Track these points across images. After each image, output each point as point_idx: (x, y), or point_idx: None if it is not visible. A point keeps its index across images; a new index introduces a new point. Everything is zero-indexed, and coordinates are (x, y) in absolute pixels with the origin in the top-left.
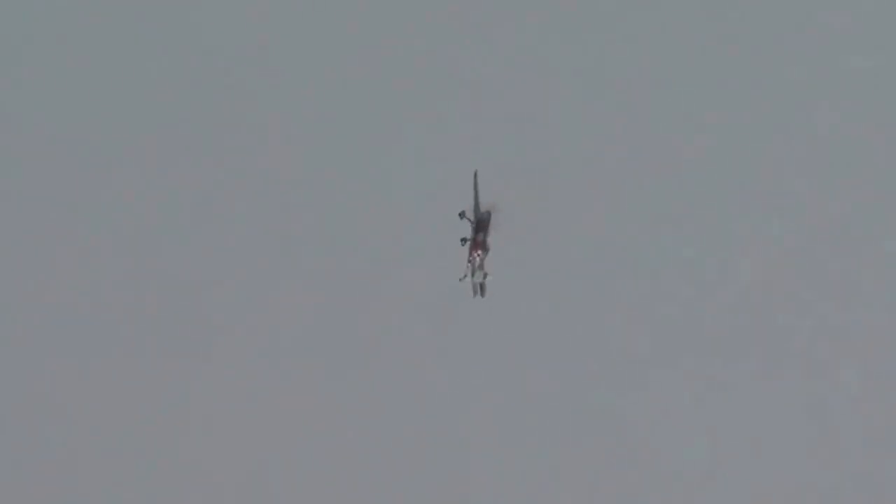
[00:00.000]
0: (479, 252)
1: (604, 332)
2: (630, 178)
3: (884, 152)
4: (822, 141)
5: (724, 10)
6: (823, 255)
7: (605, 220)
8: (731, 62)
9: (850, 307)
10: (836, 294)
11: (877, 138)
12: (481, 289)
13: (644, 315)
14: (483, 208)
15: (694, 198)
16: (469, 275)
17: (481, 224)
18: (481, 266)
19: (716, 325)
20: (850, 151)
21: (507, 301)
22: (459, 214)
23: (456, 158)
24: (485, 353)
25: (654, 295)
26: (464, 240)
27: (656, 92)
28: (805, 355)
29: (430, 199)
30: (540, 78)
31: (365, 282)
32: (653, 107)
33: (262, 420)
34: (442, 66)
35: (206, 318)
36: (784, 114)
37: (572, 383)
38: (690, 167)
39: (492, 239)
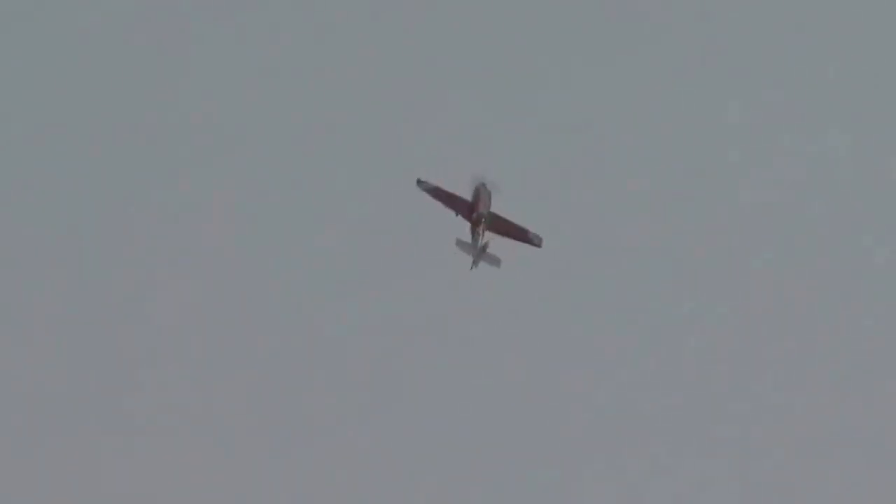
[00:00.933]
0: (480, 229)
1: (542, 417)
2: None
3: (813, 246)
4: (749, 234)
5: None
6: (759, 341)
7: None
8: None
9: (787, 390)
10: (773, 378)
11: (809, 232)
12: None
13: (582, 400)
14: (471, 186)
15: (629, 287)
16: (477, 255)
17: (475, 203)
18: (483, 238)
19: (653, 410)
20: (781, 248)
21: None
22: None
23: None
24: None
25: (591, 380)
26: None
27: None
28: (740, 440)
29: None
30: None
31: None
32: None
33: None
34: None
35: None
36: (716, 209)
37: (509, 468)
38: (630, 257)
39: (492, 202)
